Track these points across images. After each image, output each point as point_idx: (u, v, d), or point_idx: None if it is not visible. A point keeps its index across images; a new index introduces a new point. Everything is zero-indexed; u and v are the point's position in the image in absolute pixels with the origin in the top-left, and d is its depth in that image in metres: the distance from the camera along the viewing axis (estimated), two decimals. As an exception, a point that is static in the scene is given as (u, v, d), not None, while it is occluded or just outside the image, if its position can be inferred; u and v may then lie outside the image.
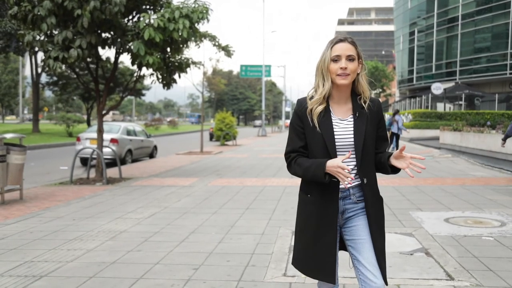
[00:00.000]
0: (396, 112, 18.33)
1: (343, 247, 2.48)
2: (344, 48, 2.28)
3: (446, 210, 6.80)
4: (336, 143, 2.31)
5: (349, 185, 2.33)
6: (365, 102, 2.36)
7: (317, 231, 2.37)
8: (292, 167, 2.41)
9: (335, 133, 2.31)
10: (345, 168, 2.18)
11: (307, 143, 2.38)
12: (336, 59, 2.28)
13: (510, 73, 31.76)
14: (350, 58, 2.28)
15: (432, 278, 3.94)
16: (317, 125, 2.32)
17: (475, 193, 8.27)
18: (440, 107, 34.79)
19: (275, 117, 76.30)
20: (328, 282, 2.40)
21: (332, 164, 2.22)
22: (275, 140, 30.46)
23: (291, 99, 79.70)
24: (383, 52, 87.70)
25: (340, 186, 2.34)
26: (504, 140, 9.86)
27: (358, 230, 2.35)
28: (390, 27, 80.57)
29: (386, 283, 2.32)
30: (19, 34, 9.86)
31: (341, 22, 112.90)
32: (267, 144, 25.83)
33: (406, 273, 4.06)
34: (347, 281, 3.78)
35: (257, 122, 62.99)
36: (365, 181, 2.34)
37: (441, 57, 39.51)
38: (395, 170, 2.36)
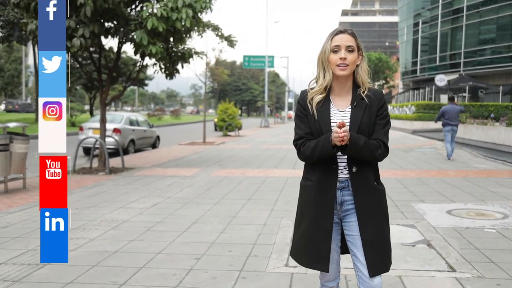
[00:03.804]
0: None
1: (347, 251, 2.49)
2: (344, 39, 2.31)
3: (448, 202, 6.79)
4: None
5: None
6: (363, 93, 2.36)
7: (314, 218, 2.39)
8: (301, 152, 2.41)
9: (331, 122, 2.34)
10: (336, 132, 2.19)
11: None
12: (336, 50, 2.31)
13: (515, 65, 31.53)
14: (349, 49, 2.31)
15: (434, 269, 3.95)
16: (315, 114, 2.36)
17: (478, 185, 8.25)
18: (444, 99, 34.54)
19: (278, 108, 76.29)
20: (321, 270, 2.42)
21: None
22: (278, 131, 30.45)
23: (294, 90, 79.50)
24: (387, 43, 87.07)
25: (339, 176, 2.35)
26: (436, 121, 12.06)
27: (356, 226, 2.36)
28: (394, 18, 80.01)
29: (380, 272, 2.33)
30: (22, 23, 9.83)
31: (345, 12, 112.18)
32: (269, 135, 25.82)
33: (408, 264, 4.07)
34: (348, 272, 3.78)
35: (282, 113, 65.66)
36: (353, 169, 2.34)
37: (445, 49, 39.21)
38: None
